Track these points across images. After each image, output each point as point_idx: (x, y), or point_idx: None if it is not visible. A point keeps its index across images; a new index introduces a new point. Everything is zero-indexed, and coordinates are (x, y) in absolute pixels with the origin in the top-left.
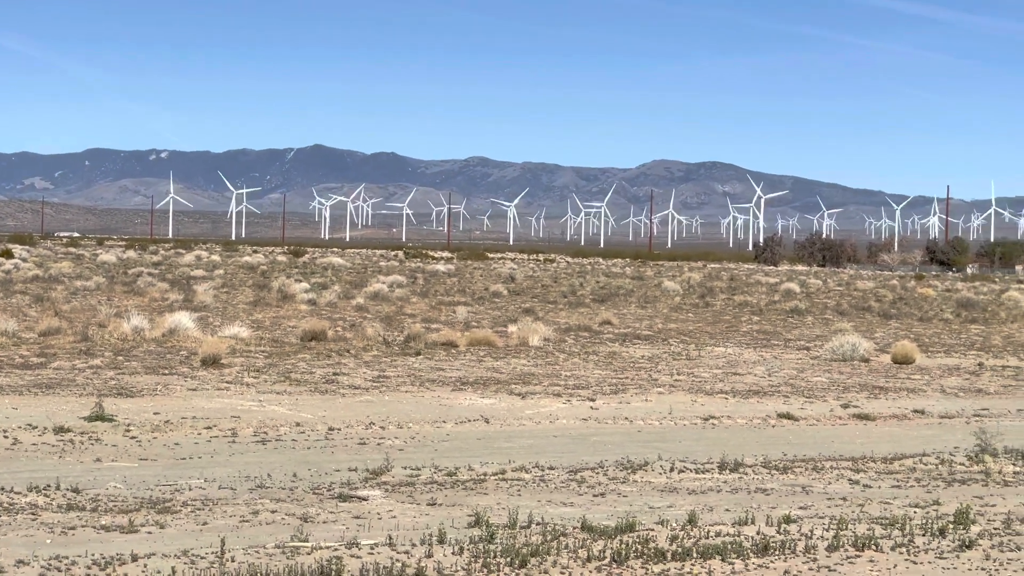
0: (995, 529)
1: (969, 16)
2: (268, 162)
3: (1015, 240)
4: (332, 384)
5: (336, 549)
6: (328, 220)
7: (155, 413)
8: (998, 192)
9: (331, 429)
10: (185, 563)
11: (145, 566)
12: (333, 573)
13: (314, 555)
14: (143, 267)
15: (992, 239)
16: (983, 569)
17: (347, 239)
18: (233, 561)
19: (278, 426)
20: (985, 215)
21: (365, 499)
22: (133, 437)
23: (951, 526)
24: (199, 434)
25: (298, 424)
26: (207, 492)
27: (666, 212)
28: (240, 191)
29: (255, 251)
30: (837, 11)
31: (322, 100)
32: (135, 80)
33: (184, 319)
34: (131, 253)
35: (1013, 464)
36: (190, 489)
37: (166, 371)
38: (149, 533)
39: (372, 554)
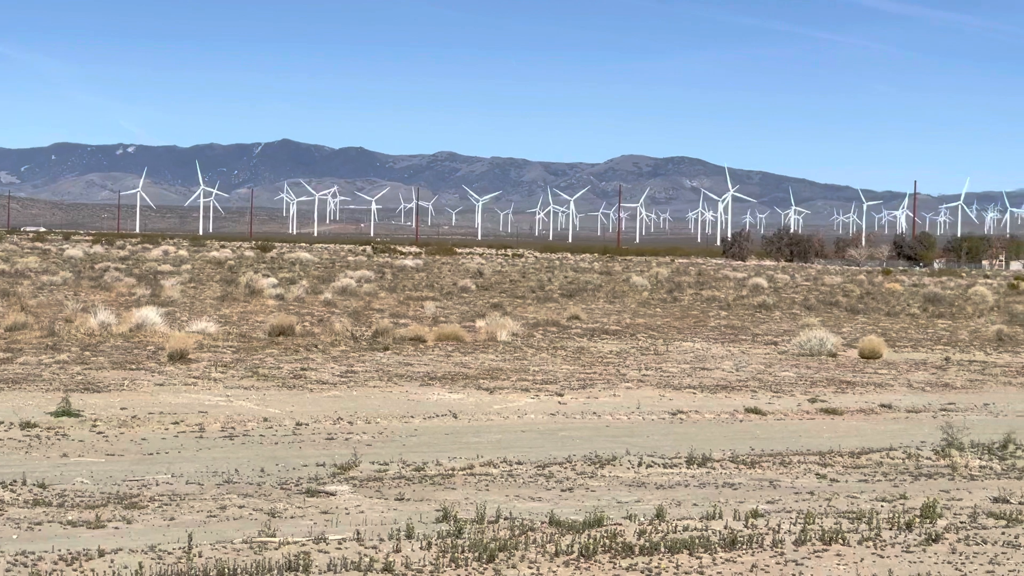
0: (961, 523)
1: (938, 12)
2: (236, 157)
3: (982, 235)
4: (300, 379)
5: (304, 544)
6: (296, 215)
7: (122, 408)
8: (964, 187)
9: (299, 424)
10: (152, 558)
11: (112, 561)
12: (301, 568)
13: (282, 550)
14: (110, 262)
15: (959, 234)
16: (949, 563)
17: (315, 234)
18: (200, 556)
19: (246, 421)
20: (952, 209)
21: (333, 494)
22: (100, 432)
23: (918, 520)
24: (166, 429)
25: (266, 419)
26: (174, 487)
27: (634, 207)
28: (208, 186)
29: (223, 246)
30: (806, 6)
31: (290, 95)
32: (102, 74)
33: (151, 314)
34: (98, 248)
35: (979, 458)
36: (157, 484)
37: (133, 366)
38: (116, 528)
39: (340, 549)
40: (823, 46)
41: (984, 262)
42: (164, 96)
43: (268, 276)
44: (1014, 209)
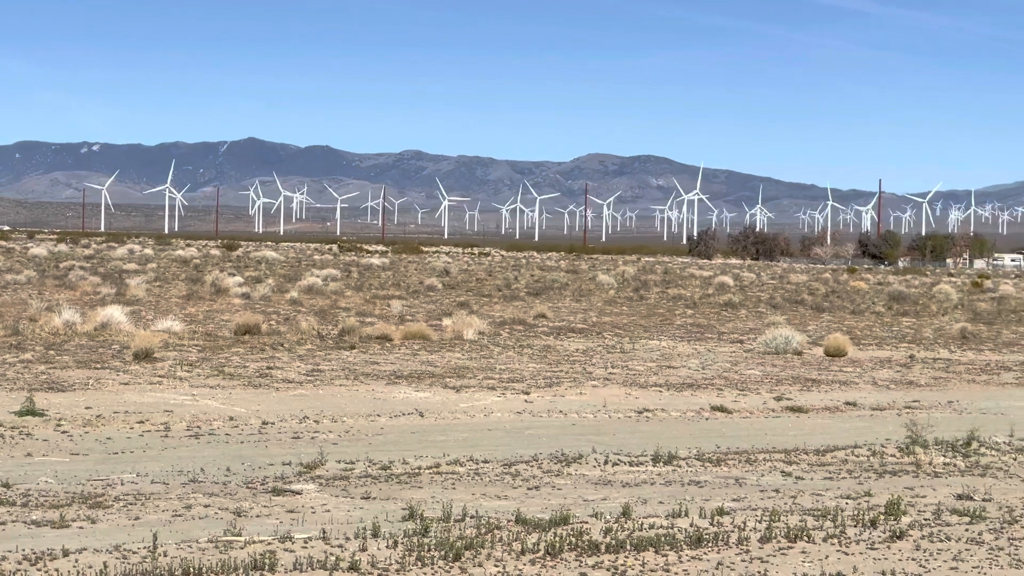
0: (925, 520)
1: (904, 11)
2: (202, 155)
3: (946, 234)
4: (266, 378)
5: (269, 543)
6: (262, 214)
7: (87, 407)
8: (928, 186)
9: (265, 423)
10: (117, 558)
11: (76, 561)
12: (266, 567)
13: (247, 549)
14: (75, 261)
15: (923, 233)
16: (913, 559)
17: (281, 233)
18: (165, 556)
19: (211, 420)
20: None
21: (299, 493)
22: (64, 432)
23: (882, 517)
24: (131, 428)
25: (231, 418)
26: (139, 486)
27: (601, 205)
28: (173, 184)
29: (188, 245)
30: (771, 6)
31: (256, 93)
32: (67, 73)
33: (116, 313)
34: (62, 247)
35: (943, 455)
36: (122, 484)
37: (98, 365)
38: (80, 528)
39: (306, 548)
40: (789, 45)
41: (948, 260)
42: (129, 95)
43: (234, 275)
44: (978, 208)
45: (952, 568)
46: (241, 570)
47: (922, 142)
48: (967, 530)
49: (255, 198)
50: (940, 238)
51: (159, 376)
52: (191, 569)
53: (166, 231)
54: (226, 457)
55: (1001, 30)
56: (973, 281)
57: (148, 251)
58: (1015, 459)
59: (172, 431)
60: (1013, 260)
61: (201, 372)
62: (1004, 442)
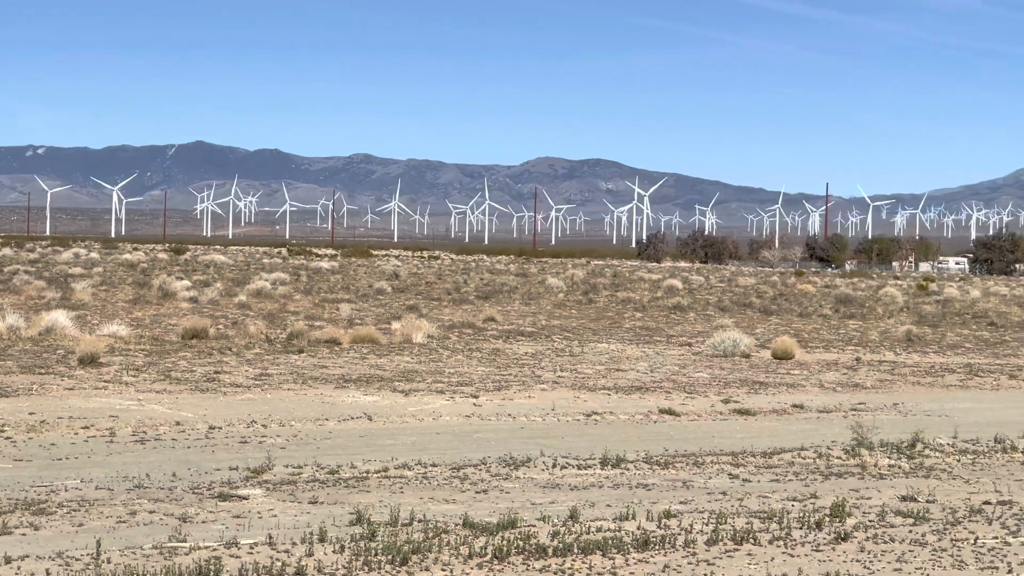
0: (870, 521)
1: (848, 16)
2: (149, 159)
3: (892, 237)
4: (213, 382)
5: (215, 549)
6: (210, 217)
7: (30, 413)
8: (875, 189)
9: (212, 428)
10: (60, 565)
11: (19, 568)
12: (211, 573)
13: (192, 555)
14: (19, 265)
15: (870, 236)
16: (858, 561)
17: (230, 236)
18: (109, 563)
19: (157, 425)
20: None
21: (246, 498)
22: (7, 437)
23: (827, 519)
24: (76, 434)
25: (178, 423)
26: (84, 493)
27: (550, 209)
28: (120, 188)
29: (135, 249)
30: (717, 9)
31: (203, 96)
32: (11, 75)
33: (61, 317)
34: (7, 251)
35: (888, 457)
36: (66, 490)
37: (42, 370)
38: (23, 535)
39: (252, 553)
40: (738, 49)
41: (894, 263)
42: (75, 98)
43: (182, 279)
44: (923, 212)
45: (896, 569)
46: None
47: (869, 147)
48: (911, 531)
49: (203, 201)
50: (886, 241)
51: (105, 381)
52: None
53: (113, 235)
54: (172, 462)
55: (947, 36)
56: (919, 284)
57: (94, 255)
58: (958, 461)
59: (117, 436)
60: (957, 263)
61: (147, 377)
62: (948, 444)
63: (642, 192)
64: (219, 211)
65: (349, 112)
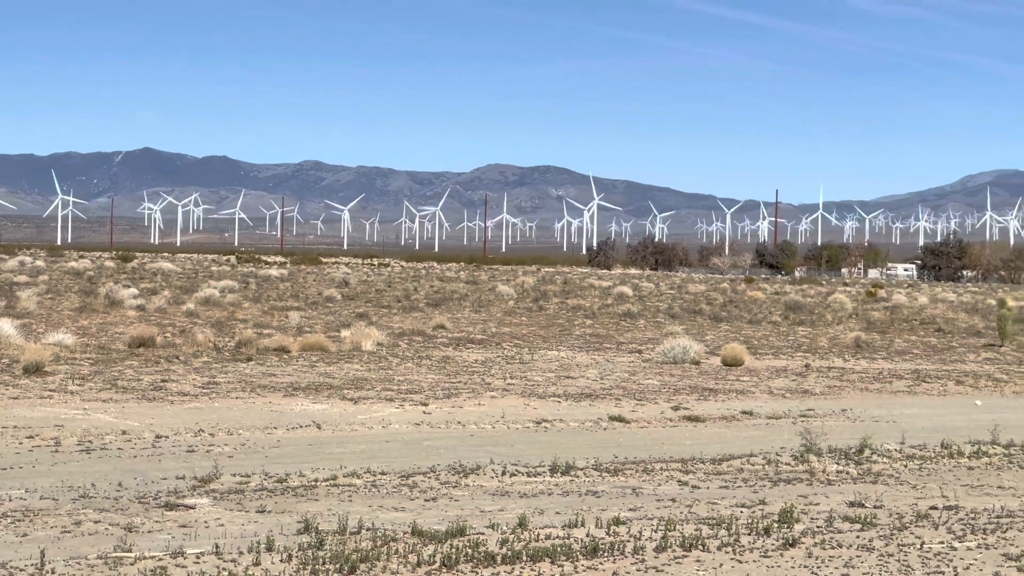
0: (818, 527)
1: (793, 24)
2: (95, 165)
3: (841, 244)
4: (160, 391)
5: (161, 559)
6: (158, 225)
7: None
8: (824, 196)
9: (158, 437)
10: (3, 575)
11: None
12: None
13: (138, 565)
14: None
15: (819, 243)
16: (805, 567)
17: (178, 244)
18: (54, 573)
19: (103, 434)
20: (812, 219)
21: (192, 507)
22: None
23: (776, 525)
24: (20, 443)
25: (124, 432)
26: (28, 503)
27: (501, 216)
28: (66, 195)
29: (82, 256)
30: (668, 17)
31: (151, 102)
32: None
33: (5, 326)
34: None
35: (836, 463)
36: (10, 500)
37: None
38: None
39: (198, 563)
40: (686, 57)
41: (843, 270)
42: (20, 104)
43: (129, 287)
44: (872, 219)
45: (843, 575)
46: None
47: (818, 154)
48: (858, 537)
49: (151, 209)
50: (835, 248)
51: (50, 390)
52: None
53: (59, 242)
54: (118, 472)
55: (895, 44)
56: (867, 291)
57: (40, 263)
58: (906, 466)
59: (63, 446)
60: (906, 270)
61: (93, 386)
62: (895, 449)
63: (592, 199)
64: (167, 218)
65: (298, 119)
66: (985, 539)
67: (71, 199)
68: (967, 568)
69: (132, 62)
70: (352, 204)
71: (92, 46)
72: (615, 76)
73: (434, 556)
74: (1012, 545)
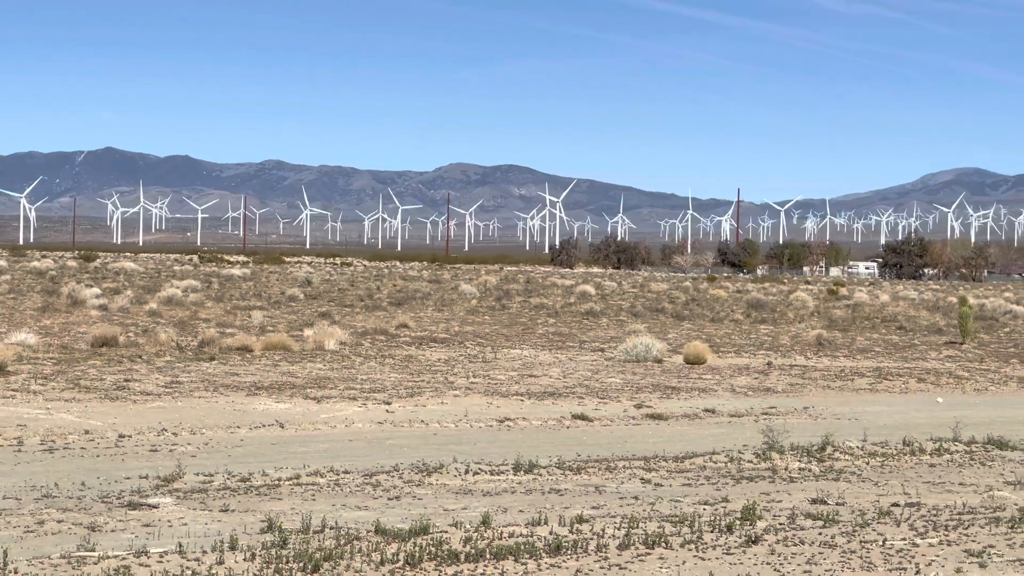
0: (780, 524)
1: (757, 23)
2: (57, 165)
3: (803, 242)
4: (123, 390)
5: (124, 558)
6: (120, 224)
7: None
8: (786, 195)
9: (121, 436)
10: None
11: None
12: None
13: (101, 565)
14: None
15: (781, 241)
16: (768, 563)
17: (140, 243)
18: (16, 573)
19: (66, 434)
20: (774, 217)
21: (156, 507)
22: None
23: (738, 522)
24: None
25: (87, 432)
26: None
27: (463, 215)
28: (28, 195)
29: (44, 256)
30: (629, 16)
31: (112, 102)
32: None
33: None
34: None
35: (799, 461)
36: None
37: None
38: None
39: (161, 562)
40: (648, 55)
41: (805, 268)
42: None
43: (91, 286)
44: (833, 217)
45: (806, 572)
46: None
47: (780, 153)
48: (820, 534)
49: (113, 208)
50: (797, 246)
51: (12, 390)
52: None
53: (21, 242)
54: (81, 471)
55: (857, 43)
56: (829, 289)
57: (2, 262)
58: (868, 463)
59: (25, 445)
60: (867, 268)
61: (56, 385)
62: (857, 446)
63: (554, 198)
64: (129, 218)
65: (260, 118)
66: (947, 536)
67: (33, 199)
68: (929, 564)
69: (93, 61)
70: (314, 203)
71: (52, 44)
72: (578, 75)
73: (397, 554)
74: (974, 541)
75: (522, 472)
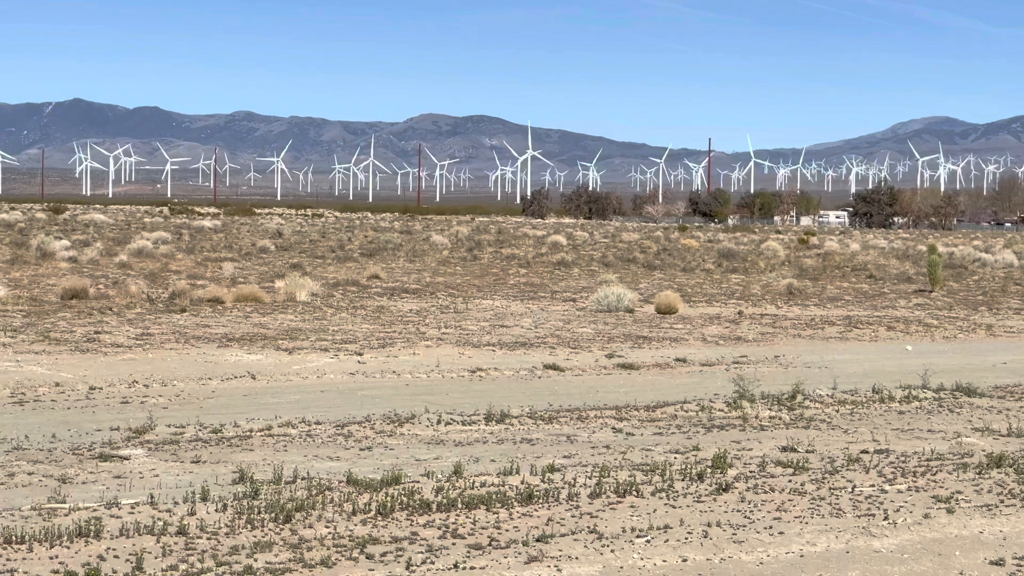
0: (751, 472)
1: None
2: (25, 116)
3: (774, 191)
4: (94, 343)
5: (95, 509)
6: (90, 176)
7: None
8: (757, 145)
9: (92, 388)
10: None
11: None
12: (92, 534)
13: (72, 516)
14: None
15: (752, 191)
16: (738, 511)
17: (110, 195)
18: None
19: (36, 386)
20: (745, 167)
21: (127, 458)
22: None
23: (709, 470)
24: None
25: (58, 384)
26: None
27: (435, 166)
28: None
29: (12, 208)
30: None
31: (81, 52)
32: None
33: None
34: None
35: (769, 409)
36: None
37: None
38: None
39: (133, 513)
40: (618, 5)
41: (776, 218)
42: None
43: (61, 238)
44: (804, 167)
45: (775, 519)
46: (65, 537)
47: (751, 102)
48: (790, 481)
49: (82, 160)
50: (768, 196)
51: None
52: (13, 537)
53: None
54: (52, 424)
55: None
56: (799, 238)
57: None
58: (837, 411)
59: None
60: (838, 217)
61: (26, 338)
62: (827, 395)
63: (526, 148)
64: (98, 170)
65: (230, 69)
66: (915, 482)
67: (0, 152)
68: (897, 510)
69: (61, 10)
70: (285, 155)
71: None
72: (549, 25)
73: (369, 504)
74: (941, 487)
75: (494, 422)
